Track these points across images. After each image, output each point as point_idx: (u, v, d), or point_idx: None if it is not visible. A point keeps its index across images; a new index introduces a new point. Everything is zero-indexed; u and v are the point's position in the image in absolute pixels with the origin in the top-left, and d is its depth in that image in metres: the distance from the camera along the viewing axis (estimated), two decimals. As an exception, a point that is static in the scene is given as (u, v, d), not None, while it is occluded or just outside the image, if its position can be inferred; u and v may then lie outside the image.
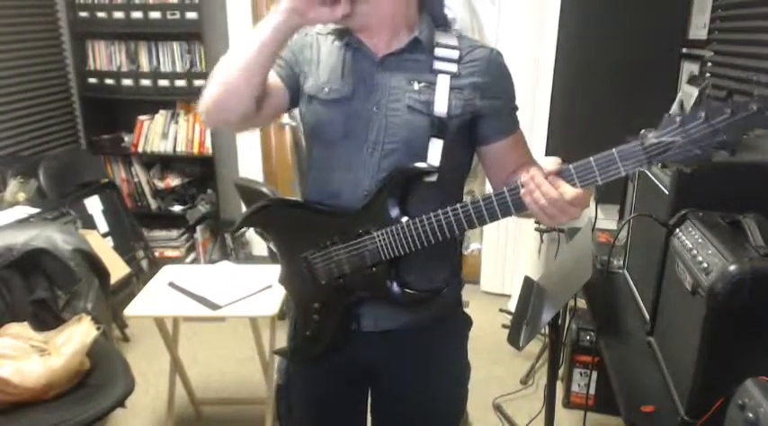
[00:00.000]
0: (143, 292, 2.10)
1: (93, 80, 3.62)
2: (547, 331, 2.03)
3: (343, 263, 1.17)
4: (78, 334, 1.84)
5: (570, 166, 0.97)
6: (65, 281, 2.17)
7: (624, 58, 2.85)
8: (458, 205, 1.06)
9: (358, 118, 1.14)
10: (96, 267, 2.30)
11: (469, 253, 3.67)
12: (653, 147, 0.87)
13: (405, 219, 1.11)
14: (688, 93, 1.36)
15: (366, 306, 1.20)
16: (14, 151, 3.32)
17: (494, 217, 1.05)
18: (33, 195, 3.02)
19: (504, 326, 3.01)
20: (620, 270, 1.76)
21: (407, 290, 1.15)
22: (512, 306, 3.20)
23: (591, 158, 0.95)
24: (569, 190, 0.94)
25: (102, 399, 1.75)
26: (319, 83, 1.17)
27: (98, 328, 1.90)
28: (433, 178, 1.13)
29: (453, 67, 1.15)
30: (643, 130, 1.34)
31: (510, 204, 1.02)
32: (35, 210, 2.71)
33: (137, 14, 3.41)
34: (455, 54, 1.16)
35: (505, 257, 3.41)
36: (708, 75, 2.42)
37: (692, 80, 1.96)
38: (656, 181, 1.40)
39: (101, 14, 3.44)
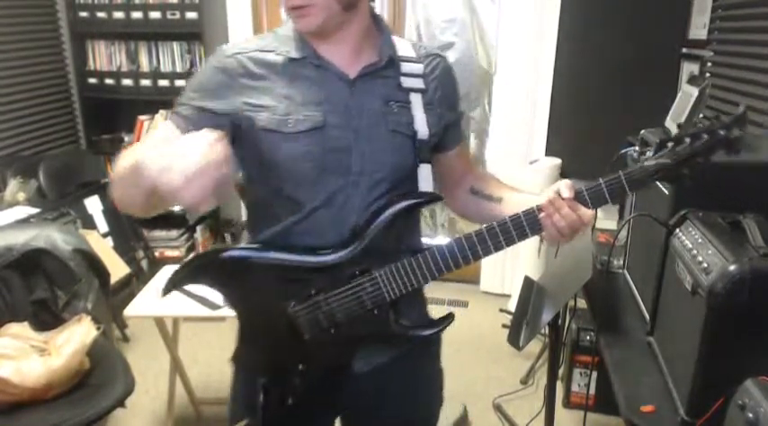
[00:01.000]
0: (143, 292, 2.10)
1: (93, 80, 3.62)
2: (547, 331, 2.03)
3: (335, 312, 1.04)
4: (78, 334, 1.84)
5: (584, 190, 1.00)
6: (65, 281, 2.17)
7: (624, 58, 2.85)
8: (471, 233, 1.02)
9: (336, 148, 1.01)
10: (96, 267, 2.30)
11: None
12: (653, 169, 0.99)
13: (411, 254, 1.02)
14: (688, 93, 1.36)
15: (361, 348, 1.09)
16: (14, 151, 3.32)
17: (510, 242, 1.01)
18: (33, 195, 3.02)
19: (504, 326, 3.01)
20: (620, 270, 1.76)
21: (416, 330, 1.08)
22: (512, 306, 3.20)
23: (601, 182, 1.00)
24: (587, 213, 1.00)
25: (102, 399, 1.75)
26: (279, 114, 1.00)
27: (98, 328, 1.90)
28: (434, 205, 1.09)
29: (420, 83, 1.08)
30: (643, 131, 1.36)
31: (526, 227, 1.01)
32: (35, 210, 2.71)
33: (137, 14, 3.41)
34: (419, 68, 1.09)
35: (505, 257, 3.41)
36: (708, 75, 2.42)
37: (692, 80, 1.96)
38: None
39: (101, 14, 3.44)
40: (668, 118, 1.43)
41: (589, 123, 2.95)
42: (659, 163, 0.98)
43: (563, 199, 0.98)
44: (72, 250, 2.18)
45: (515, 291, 3.24)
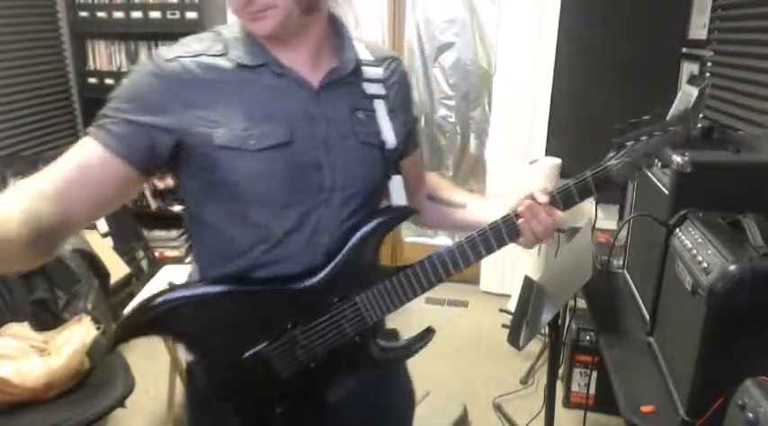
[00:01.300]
0: (143, 292, 2.10)
1: (93, 80, 3.62)
2: (547, 331, 2.03)
3: (314, 345, 0.96)
4: (78, 334, 1.84)
5: (555, 193, 1.01)
6: (65, 281, 2.17)
7: (624, 58, 2.85)
8: (452, 245, 0.99)
9: (305, 164, 0.92)
10: (96, 267, 2.30)
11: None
12: (614, 168, 1.03)
13: (392, 273, 0.97)
14: (688, 93, 1.36)
15: (337, 377, 1.01)
16: (14, 151, 3.32)
17: (490, 251, 1.01)
18: (33, 195, 3.01)
19: (504, 326, 3.01)
20: (620, 270, 1.76)
21: (393, 349, 1.04)
22: (512, 306, 3.20)
23: (570, 183, 1.02)
24: (561, 216, 1.01)
25: (102, 399, 1.75)
26: (239, 129, 0.88)
27: (98, 328, 1.90)
28: (412, 220, 1.04)
29: (382, 89, 1.02)
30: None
31: (504, 234, 1.00)
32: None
33: (137, 14, 3.41)
34: (379, 73, 1.02)
35: (505, 257, 3.41)
36: (708, 74, 2.42)
37: (692, 80, 1.96)
38: (655, 181, 1.40)
39: (101, 14, 3.44)
40: (668, 118, 1.43)
41: (589, 123, 2.95)
42: (622, 162, 1.02)
43: (540, 204, 0.99)
44: (72, 250, 2.19)
45: (515, 291, 3.24)
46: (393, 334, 1.10)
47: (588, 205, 1.27)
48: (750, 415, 0.90)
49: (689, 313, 1.12)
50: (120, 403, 1.77)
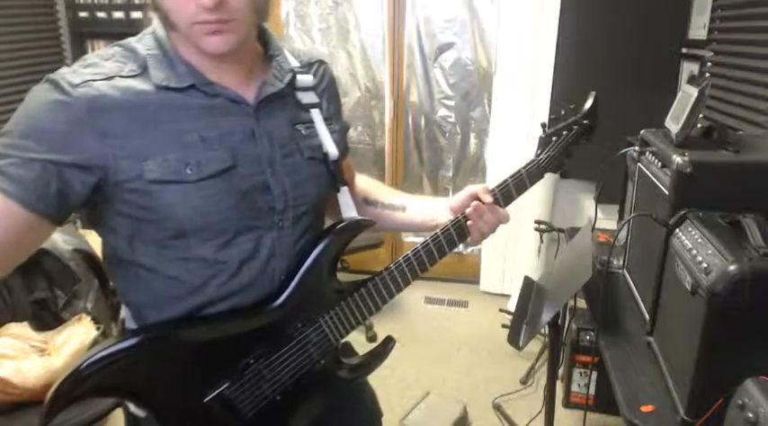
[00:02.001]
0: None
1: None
2: (547, 331, 2.03)
3: (281, 376, 0.90)
4: (78, 334, 1.84)
5: (495, 189, 1.06)
6: (65, 281, 2.17)
7: (624, 58, 2.85)
8: (409, 253, 1.00)
9: (253, 188, 0.85)
10: (96, 267, 2.30)
11: (469, 253, 3.67)
12: (544, 163, 1.12)
13: (353, 289, 0.95)
14: (688, 93, 1.36)
15: (304, 405, 0.96)
16: (14, 151, 3.32)
17: (443, 254, 1.03)
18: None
19: (504, 326, 3.01)
20: (620, 270, 1.76)
21: (358, 366, 1.02)
22: (512, 306, 3.20)
23: (508, 180, 1.07)
24: (505, 214, 1.06)
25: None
26: (172, 159, 0.78)
27: (98, 328, 1.90)
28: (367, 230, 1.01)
29: (314, 97, 0.97)
30: (643, 131, 1.39)
31: (455, 237, 1.03)
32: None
33: (137, 14, 3.41)
34: (310, 80, 0.96)
35: (505, 257, 3.41)
36: (708, 75, 2.42)
37: (692, 80, 1.95)
38: (655, 181, 1.40)
39: (101, 14, 3.44)
40: (668, 118, 1.43)
41: (589, 123, 2.95)
42: (549, 156, 1.12)
43: (485, 204, 1.02)
44: (72, 250, 2.18)
45: (515, 291, 3.24)
46: (350, 350, 1.08)
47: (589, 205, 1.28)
48: (750, 415, 0.90)
49: (689, 313, 1.12)
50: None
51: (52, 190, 0.74)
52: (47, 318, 2.08)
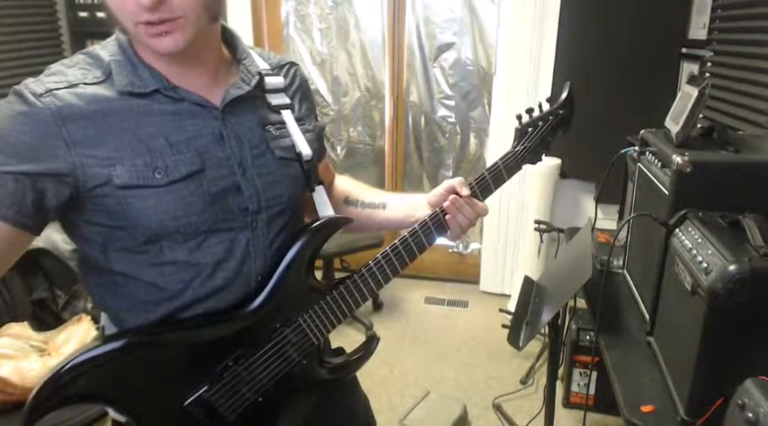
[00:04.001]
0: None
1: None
2: (547, 331, 2.03)
3: (260, 378, 0.90)
4: (78, 334, 1.84)
5: (473, 183, 1.06)
6: (65, 281, 2.17)
7: (624, 58, 2.85)
8: (387, 249, 0.99)
9: (224, 190, 0.85)
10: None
11: (469, 253, 3.67)
12: (521, 154, 1.13)
13: (332, 287, 0.95)
14: (688, 93, 1.36)
15: (288, 406, 0.96)
16: (14, 151, 3.32)
17: (422, 249, 1.03)
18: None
19: (504, 326, 3.01)
20: (620, 270, 1.76)
21: (341, 366, 1.02)
22: (512, 306, 3.20)
23: (485, 173, 1.09)
24: (483, 207, 1.06)
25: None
26: (140, 163, 0.79)
27: (98, 328, 1.90)
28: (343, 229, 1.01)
29: (285, 98, 0.97)
30: (643, 131, 1.38)
31: (434, 231, 1.03)
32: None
33: (137, 14, 3.42)
34: (280, 82, 0.97)
35: (505, 257, 3.41)
36: (707, 75, 2.42)
37: (692, 80, 1.95)
38: (655, 181, 1.40)
39: (101, 14, 3.44)
40: (668, 118, 1.43)
41: (589, 123, 2.95)
42: (525, 147, 1.13)
43: (462, 197, 1.03)
44: (72, 250, 2.18)
45: (515, 291, 3.25)
46: (339, 351, 1.08)
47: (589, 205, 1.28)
48: (750, 415, 0.90)
49: (689, 313, 1.12)
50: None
51: (27, 201, 0.75)
52: (47, 318, 2.08)
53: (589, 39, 2.90)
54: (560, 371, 2.30)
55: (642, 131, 1.53)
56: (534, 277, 1.77)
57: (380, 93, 3.63)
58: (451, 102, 3.62)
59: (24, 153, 0.74)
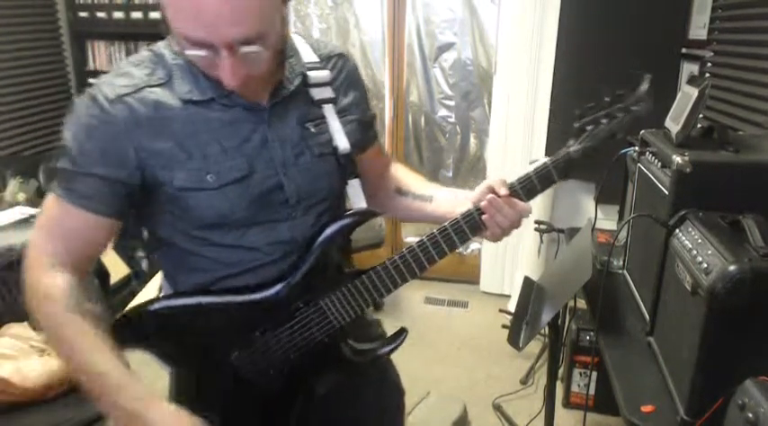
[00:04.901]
0: (143, 292, 2.09)
1: (93, 80, 3.62)
2: (547, 331, 2.03)
3: (285, 350, 0.98)
4: (78, 334, 1.84)
5: (516, 184, 1.00)
6: (65, 281, 2.17)
7: (624, 58, 2.85)
8: (414, 245, 0.99)
9: (267, 190, 0.93)
10: (96, 267, 2.30)
11: (469, 254, 3.67)
12: (576, 154, 1.01)
13: (355, 276, 0.98)
14: (688, 93, 1.36)
15: (316, 376, 1.03)
16: (14, 151, 3.32)
17: (453, 248, 1.00)
18: (33, 195, 3.02)
19: (504, 326, 3.01)
20: (620, 271, 1.76)
21: (365, 351, 1.04)
22: (512, 306, 3.20)
23: (531, 173, 1.01)
24: (525, 207, 1.00)
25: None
26: (195, 168, 0.89)
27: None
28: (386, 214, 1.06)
29: (330, 92, 1.01)
30: (643, 131, 1.35)
31: (467, 231, 1.00)
32: (35, 210, 2.70)
33: (137, 14, 3.41)
34: (326, 76, 1.01)
35: (505, 257, 3.41)
36: (708, 75, 2.42)
37: (692, 80, 1.96)
38: (655, 181, 1.40)
39: (101, 14, 3.45)
40: (668, 118, 1.43)
41: (589, 123, 2.95)
42: (585, 147, 1.01)
43: (500, 197, 0.98)
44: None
45: (515, 291, 3.24)
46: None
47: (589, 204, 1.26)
48: (750, 415, 0.90)
49: (689, 313, 1.12)
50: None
51: (115, 196, 0.89)
52: (47, 318, 2.08)
53: (589, 39, 2.90)
54: (560, 371, 2.30)
55: (642, 131, 1.53)
56: (534, 277, 1.77)
57: (380, 93, 3.63)
58: (451, 102, 3.63)
59: (103, 156, 0.86)
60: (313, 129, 0.98)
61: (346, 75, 1.05)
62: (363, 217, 1.01)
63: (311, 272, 0.97)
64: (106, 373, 0.85)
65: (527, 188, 1.00)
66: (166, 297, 1.00)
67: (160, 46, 0.92)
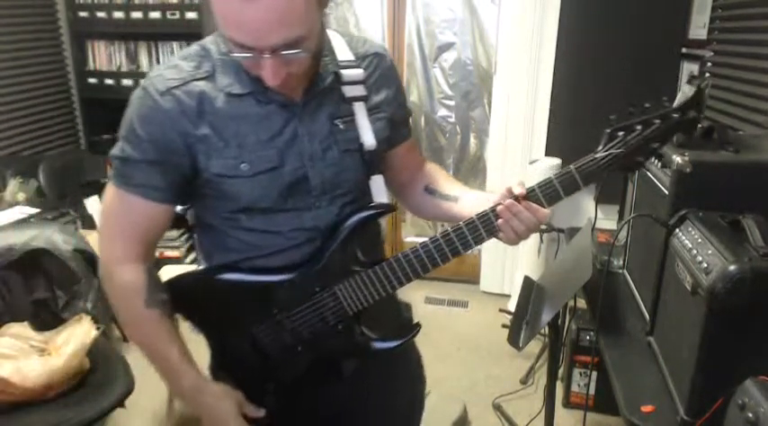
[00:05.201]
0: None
1: (93, 80, 3.62)
2: (547, 331, 2.03)
3: (300, 330, 1.04)
4: (78, 334, 1.84)
5: (536, 189, 0.98)
6: (65, 281, 2.17)
7: (624, 58, 2.85)
8: (427, 240, 1.00)
9: (295, 180, 1.00)
10: (96, 267, 2.30)
11: (469, 253, 3.67)
12: (604, 161, 0.96)
13: (368, 266, 1.02)
14: (688, 93, 1.36)
15: (330, 363, 1.09)
16: (14, 151, 3.32)
17: (467, 247, 1.00)
18: (33, 195, 3.02)
19: (504, 326, 3.01)
20: (620, 270, 1.76)
21: (378, 343, 1.07)
22: (512, 306, 3.20)
23: (553, 178, 0.98)
24: (543, 213, 0.99)
25: (102, 399, 1.75)
26: (230, 157, 0.96)
27: (98, 328, 1.90)
28: (387, 216, 1.09)
29: (362, 90, 1.04)
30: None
31: (483, 231, 0.99)
32: (35, 210, 2.71)
33: (137, 14, 3.41)
34: (360, 74, 1.04)
35: (505, 257, 3.41)
36: (707, 75, 2.42)
37: (692, 80, 1.96)
38: (655, 181, 1.40)
39: (101, 14, 3.44)
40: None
41: (589, 123, 2.94)
42: (611, 153, 0.95)
43: (519, 202, 0.97)
44: (72, 250, 2.18)
45: (515, 291, 3.24)
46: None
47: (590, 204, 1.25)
48: (750, 415, 0.90)
49: (689, 313, 1.12)
50: (120, 403, 1.76)
51: (168, 181, 0.96)
52: (47, 318, 2.08)
53: (589, 39, 2.90)
54: (560, 371, 2.30)
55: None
56: (534, 277, 1.77)
57: (380, 93, 3.63)
58: (451, 102, 3.63)
59: (155, 145, 0.94)
60: (341, 126, 1.02)
61: (380, 74, 1.08)
62: (383, 210, 1.05)
63: (330, 259, 1.02)
64: (168, 360, 0.99)
65: (549, 194, 0.98)
66: (202, 271, 1.09)
67: (208, 41, 0.99)
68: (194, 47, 0.99)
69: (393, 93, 1.10)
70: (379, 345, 1.07)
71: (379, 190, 1.07)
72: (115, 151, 0.97)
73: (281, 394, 1.08)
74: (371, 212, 1.04)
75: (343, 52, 1.04)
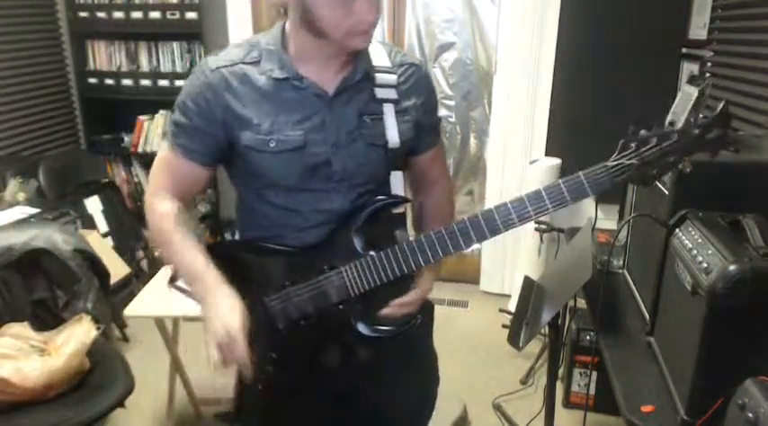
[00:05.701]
0: (143, 292, 2.09)
1: (93, 80, 3.62)
2: (547, 331, 2.03)
3: (304, 303, 1.11)
4: (78, 334, 1.84)
5: (542, 190, 0.99)
6: (65, 281, 2.17)
7: (624, 58, 2.85)
8: (430, 231, 1.05)
9: (317, 163, 1.08)
10: (96, 267, 2.30)
11: (469, 253, 3.67)
12: (615, 169, 0.97)
13: (373, 252, 1.07)
14: (688, 93, 1.36)
15: (326, 336, 1.14)
16: (14, 151, 3.32)
17: (469, 242, 1.03)
18: (33, 195, 3.02)
19: (504, 326, 3.01)
20: (620, 270, 1.76)
21: (378, 328, 1.11)
22: (512, 306, 3.20)
23: (560, 182, 0.99)
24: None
25: (102, 399, 1.75)
26: (261, 133, 1.06)
27: (98, 328, 1.90)
28: (401, 209, 1.16)
29: (394, 94, 1.12)
30: (643, 131, 1.32)
31: (484, 228, 1.02)
32: (35, 210, 2.71)
33: (137, 14, 3.41)
34: (393, 79, 1.12)
35: (505, 257, 3.41)
36: (708, 75, 2.42)
37: (692, 80, 1.96)
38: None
39: (101, 14, 3.44)
40: (668, 118, 1.43)
41: (589, 123, 2.95)
42: (622, 164, 0.95)
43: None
44: (72, 250, 2.18)
45: (515, 291, 3.24)
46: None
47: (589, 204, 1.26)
48: (750, 415, 0.90)
49: (689, 313, 1.12)
50: (120, 403, 1.76)
51: (208, 146, 1.10)
52: (47, 318, 2.08)
53: (589, 39, 2.90)
54: (560, 371, 2.30)
55: (642, 131, 1.53)
56: (534, 277, 1.77)
57: (380, 93, 3.63)
58: (451, 102, 3.62)
59: (206, 114, 1.07)
60: (369, 122, 1.10)
61: (414, 82, 1.16)
62: (397, 201, 1.14)
63: (343, 240, 1.09)
64: (192, 265, 1.08)
65: (554, 194, 0.99)
66: (234, 240, 1.27)
67: (259, 35, 1.12)
68: (246, 39, 1.13)
69: (423, 100, 1.17)
70: (363, 329, 1.11)
71: (397, 184, 1.16)
72: (173, 117, 1.12)
73: (282, 365, 1.15)
74: (384, 202, 1.12)
75: (380, 58, 1.13)
